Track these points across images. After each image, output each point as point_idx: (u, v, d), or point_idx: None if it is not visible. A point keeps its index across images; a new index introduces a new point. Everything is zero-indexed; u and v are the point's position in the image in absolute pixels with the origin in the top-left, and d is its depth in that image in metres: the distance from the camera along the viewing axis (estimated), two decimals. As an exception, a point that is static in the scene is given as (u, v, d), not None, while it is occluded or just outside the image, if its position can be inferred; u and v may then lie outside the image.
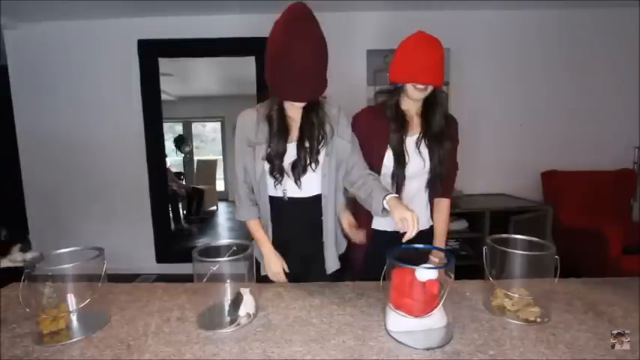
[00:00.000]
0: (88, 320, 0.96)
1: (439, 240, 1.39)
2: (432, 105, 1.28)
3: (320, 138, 1.17)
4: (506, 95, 3.18)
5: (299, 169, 1.16)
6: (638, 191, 3.12)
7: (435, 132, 1.28)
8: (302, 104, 1.13)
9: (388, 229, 1.32)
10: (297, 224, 1.24)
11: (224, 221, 5.77)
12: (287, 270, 1.25)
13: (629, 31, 3.05)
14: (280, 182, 1.18)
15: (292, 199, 1.21)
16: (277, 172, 1.16)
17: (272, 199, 1.22)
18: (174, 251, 3.44)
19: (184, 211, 5.41)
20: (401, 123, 1.28)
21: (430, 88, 1.22)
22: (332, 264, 1.27)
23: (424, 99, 1.26)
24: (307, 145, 1.17)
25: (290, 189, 1.20)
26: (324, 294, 1.12)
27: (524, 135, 3.21)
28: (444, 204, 1.39)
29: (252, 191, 1.25)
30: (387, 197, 1.08)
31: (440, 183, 1.33)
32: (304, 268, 1.27)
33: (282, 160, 1.16)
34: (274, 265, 1.23)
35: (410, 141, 1.29)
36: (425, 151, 1.29)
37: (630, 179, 3.04)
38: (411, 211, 1.01)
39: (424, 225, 1.36)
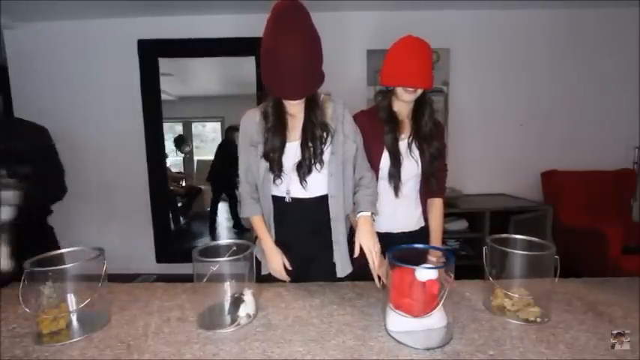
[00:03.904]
0: (88, 320, 0.96)
1: (435, 239, 1.41)
2: (421, 106, 1.32)
3: (323, 138, 1.17)
4: (506, 95, 3.18)
5: (304, 170, 1.16)
6: (638, 191, 3.12)
7: (425, 133, 1.32)
8: (297, 101, 1.13)
9: (382, 232, 1.31)
10: (300, 224, 1.23)
11: (224, 221, 5.76)
12: (289, 267, 1.24)
13: (629, 31, 3.05)
14: (280, 177, 1.17)
15: (296, 200, 1.20)
16: (276, 167, 1.16)
17: (275, 198, 1.22)
18: (174, 251, 3.44)
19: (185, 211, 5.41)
20: (394, 124, 1.31)
21: (420, 91, 1.25)
22: (344, 267, 1.24)
23: (414, 101, 1.29)
24: (310, 145, 1.16)
25: (294, 189, 1.19)
26: (324, 294, 1.12)
27: (524, 135, 3.21)
28: (437, 204, 1.42)
29: (256, 189, 1.24)
30: (358, 216, 1.17)
31: (432, 184, 1.36)
32: (307, 268, 1.26)
33: (280, 155, 1.16)
34: (275, 262, 1.23)
35: (402, 144, 1.31)
36: (416, 152, 1.32)
37: (630, 179, 3.04)
38: (373, 241, 1.12)
39: (414, 226, 1.39)
